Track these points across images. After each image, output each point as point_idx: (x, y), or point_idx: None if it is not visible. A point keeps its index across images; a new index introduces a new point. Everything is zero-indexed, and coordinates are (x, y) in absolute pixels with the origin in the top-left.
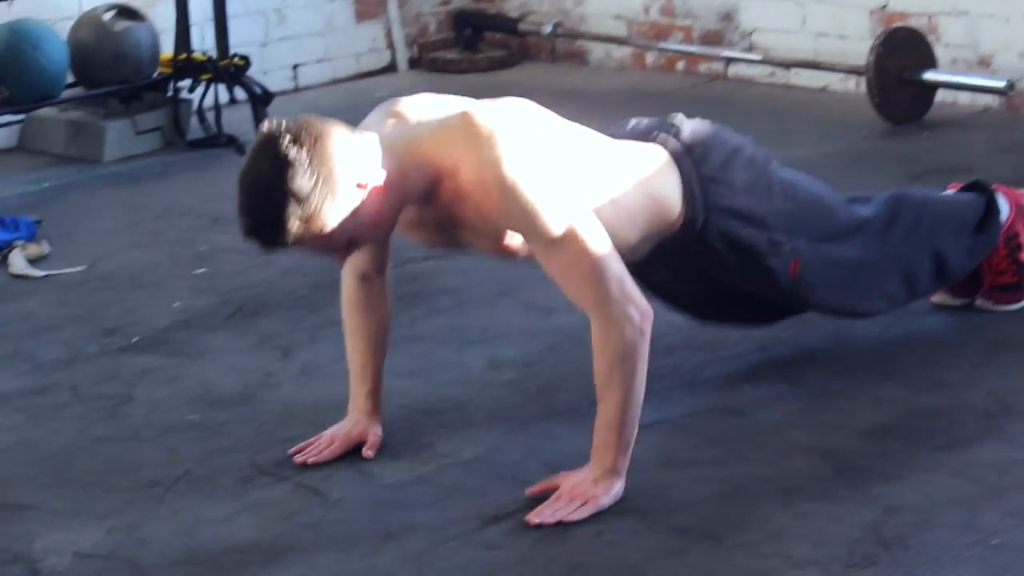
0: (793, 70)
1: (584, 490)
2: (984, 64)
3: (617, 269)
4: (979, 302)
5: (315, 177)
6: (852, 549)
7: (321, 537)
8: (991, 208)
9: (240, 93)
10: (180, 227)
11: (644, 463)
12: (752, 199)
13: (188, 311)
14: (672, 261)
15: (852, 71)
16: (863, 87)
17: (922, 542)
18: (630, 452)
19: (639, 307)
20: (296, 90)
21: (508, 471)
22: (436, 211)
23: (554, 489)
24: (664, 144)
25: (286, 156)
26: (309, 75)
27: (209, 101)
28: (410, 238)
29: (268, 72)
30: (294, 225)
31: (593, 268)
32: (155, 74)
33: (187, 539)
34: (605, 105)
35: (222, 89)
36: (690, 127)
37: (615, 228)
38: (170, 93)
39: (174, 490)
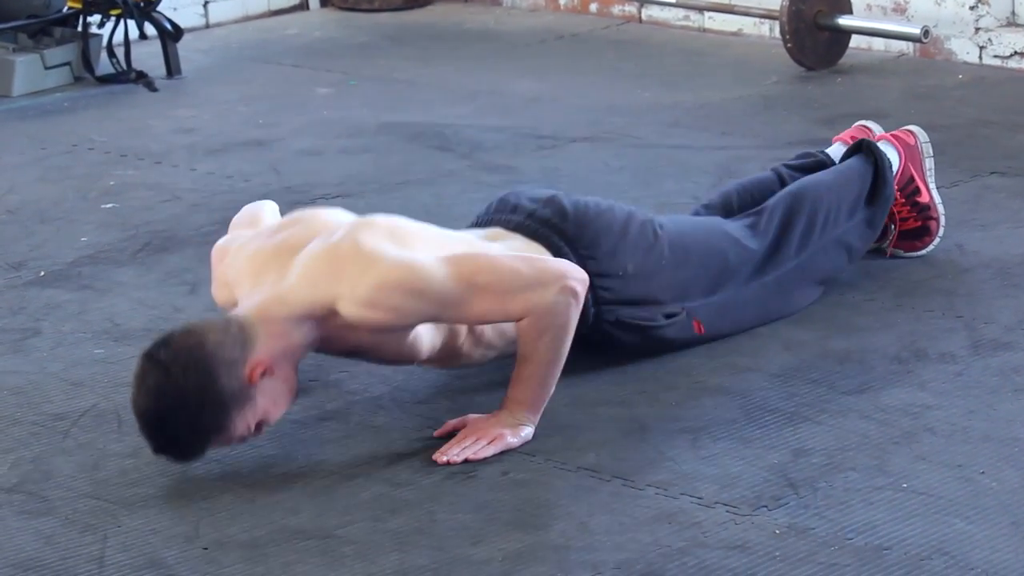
0: (707, 14)
1: (492, 430)
2: (899, 10)
3: (525, 265)
4: (890, 251)
5: (201, 402)
6: (761, 491)
7: (227, 473)
8: (879, 171)
9: (150, 29)
10: (88, 162)
11: (552, 403)
12: (643, 283)
13: (95, 246)
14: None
15: (766, 15)
16: (777, 32)
17: (831, 485)
18: (543, 407)
19: (572, 275)
20: (207, 27)
21: (416, 409)
22: (333, 345)
23: (460, 429)
24: (547, 241)
25: (166, 390)
26: (220, 12)
27: (119, 37)
28: None
29: (178, 8)
30: (197, 446)
31: (508, 285)
32: (64, 9)
33: (93, 472)
34: (517, 47)
35: (132, 25)
36: (573, 212)
37: (500, 334)
38: (80, 28)
39: (80, 424)
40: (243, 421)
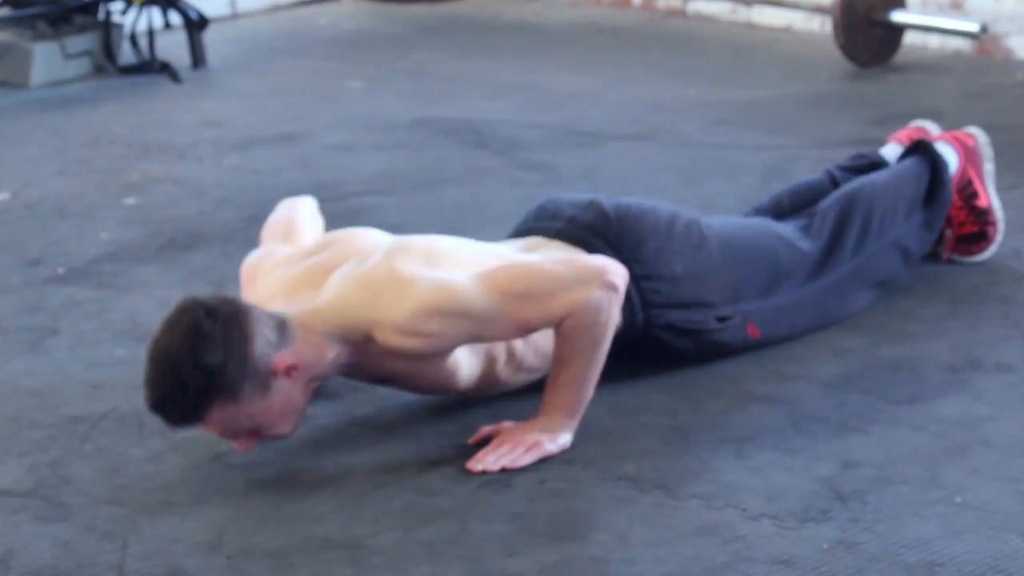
0: (755, 7)
1: (529, 437)
2: (956, 6)
3: (562, 266)
4: (947, 255)
5: (227, 354)
6: (808, 503)
7: (252, 479)
8: (937, 173)
9: (175, 18)
10: (109, 155)
11: (592, 410)
12: (693, 285)
13: (117, 242)
14: (619, 351)
15: (817, 10)
16: (828, 27)
17: (881, 498)
18: (582, 412)
19: (610, 270)
20: (234, 16)
21: (450, 414)
22: (367, 371)
23: (496, 436)
24: (589, 247)
25: (199, 329)
26: (248, 1)
27: (142, 25)
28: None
29: None
30: (201, 401)
31: (547, 288)
32: None
33: (112, 478)
34: (556, 40)
35: (156, 13)
36: (616, 214)
37: (540, 356)
38: (101, 16)
39: (99, 427)
40: (251, 404)
